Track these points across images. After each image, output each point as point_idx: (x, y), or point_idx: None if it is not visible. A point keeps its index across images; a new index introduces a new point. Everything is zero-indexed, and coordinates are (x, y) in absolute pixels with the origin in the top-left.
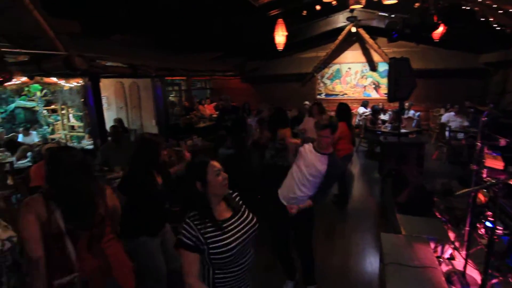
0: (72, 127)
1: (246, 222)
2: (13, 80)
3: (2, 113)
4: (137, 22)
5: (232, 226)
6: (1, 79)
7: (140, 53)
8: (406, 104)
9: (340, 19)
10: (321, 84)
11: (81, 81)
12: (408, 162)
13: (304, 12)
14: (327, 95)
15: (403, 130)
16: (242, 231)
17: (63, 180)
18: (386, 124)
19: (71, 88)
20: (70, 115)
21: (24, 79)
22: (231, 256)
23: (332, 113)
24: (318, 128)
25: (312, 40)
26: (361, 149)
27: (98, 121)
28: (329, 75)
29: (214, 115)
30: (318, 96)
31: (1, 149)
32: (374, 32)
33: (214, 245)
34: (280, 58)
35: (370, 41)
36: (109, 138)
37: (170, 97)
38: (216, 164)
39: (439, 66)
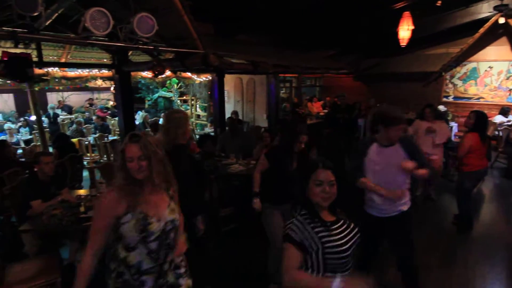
0: (198, 116)
1: (350, 228)
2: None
3: (149, 100)
4: (259, 23)
5: (340, 229)
6: (157, 72)
7: (260, 51)
8: None
9: (484, 9)
10: (450, 85)
11: (209, 76)
12: None
13: (439, 3)
14: (456, 97)
15: None
16: (349, 236)
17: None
18: None
19: (200, 82)
20: (197, 105)
21: (169, 73)
22: (347, 257)
23: (462, 119)
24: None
25: (442, 34)
26: (498, 165)
27: (220, 112)
28: (461, 74)
29: (321, 113)
30: (445, 99)
31: (148, 129)
32: None
33: (329, 245)
34: (400, 55)
35: None
36: (227, 128)
37: (281, 93)
38: (322, 174)
39: None
